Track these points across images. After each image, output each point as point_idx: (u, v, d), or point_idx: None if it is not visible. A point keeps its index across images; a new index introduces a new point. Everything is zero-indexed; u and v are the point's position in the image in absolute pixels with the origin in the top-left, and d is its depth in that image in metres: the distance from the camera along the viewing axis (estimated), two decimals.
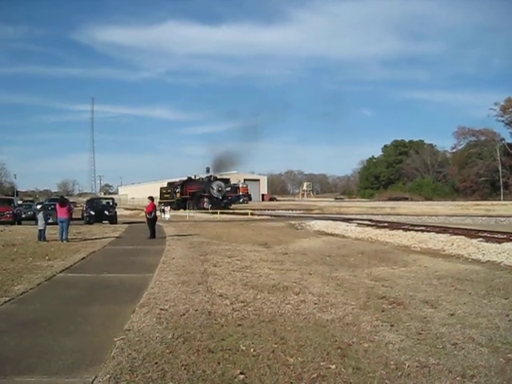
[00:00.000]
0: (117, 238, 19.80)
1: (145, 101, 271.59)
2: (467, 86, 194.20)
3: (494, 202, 64.25)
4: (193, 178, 66.55)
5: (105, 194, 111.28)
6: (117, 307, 7.42)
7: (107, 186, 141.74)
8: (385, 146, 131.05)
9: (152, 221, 20.15)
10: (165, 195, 69.46)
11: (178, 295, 8.26)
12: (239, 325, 6.58)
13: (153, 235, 19.49)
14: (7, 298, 7.77)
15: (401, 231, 21.94)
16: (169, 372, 4.64)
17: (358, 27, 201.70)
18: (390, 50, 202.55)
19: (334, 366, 5.03)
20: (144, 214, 21.04)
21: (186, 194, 62.67)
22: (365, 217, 38.22)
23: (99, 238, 18.95)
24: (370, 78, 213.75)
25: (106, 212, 32.28)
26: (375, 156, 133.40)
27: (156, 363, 4.85)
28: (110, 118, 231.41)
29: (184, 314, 6.96)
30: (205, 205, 57.39)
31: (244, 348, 5.50)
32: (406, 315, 7.41)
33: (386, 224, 26.81)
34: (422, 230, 21.33)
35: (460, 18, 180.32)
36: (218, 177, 66.29)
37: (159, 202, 69.85)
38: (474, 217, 38.14)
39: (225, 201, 60.41)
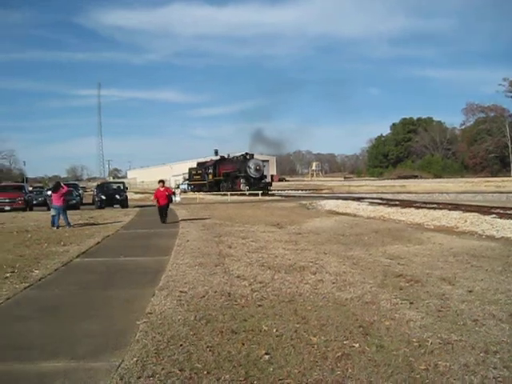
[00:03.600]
0: (129, 221, 19.85)
1: (151, 83, 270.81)
2: (476, 62, 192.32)
3: (505, 179, 63.92)
4: (226, 156, 61.04)
5: (114, 178, 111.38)
6: (136, 290, 7.44)
7: (116, 170, 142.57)
8: (393, 124, 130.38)
9: (168, 204, 19.38)
10: (195, 176, 64.72)
11: (196, 277, 8.28)
12: (259, 305, 6.60)
13: (165, 219, 18.88)
14: (26, 284, 7.81)
15: (413, 209, 21.87)
16: (194, 354, 4.66)
17: (364, 5, 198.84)
18: (397, 28, 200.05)
19: (357, 345, 5.04)
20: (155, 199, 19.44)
21: (220, 175, 57.00)
22: (375, 195, 38.18)
23: (112, 223, 19.00)
24: (378, 55, 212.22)
25: (117, 196, 32.34)
26: (384, 134, 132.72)
27: (181, 345, 4.87)
28: (117, 102, 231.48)
29: (204, 296, 6.97)
30: (241, 186, 51.59)
31: (266, 328, 5.51)
32: (425, 293, 7.40)
33: (397, 202, 26.77)
34: (435, 208, 21.27)
35: None
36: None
37: (188, 184, 67.49)
38: (484, 193, 37.99)
39: (263, 181, 53.52)
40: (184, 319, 5.77)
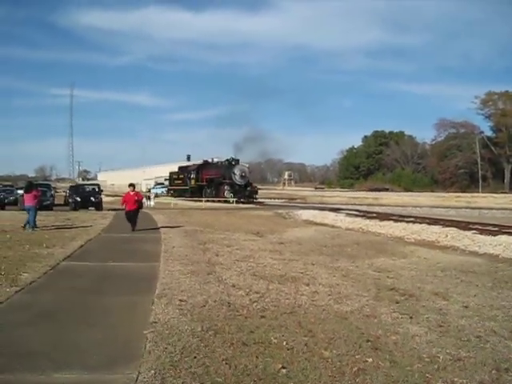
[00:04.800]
0: (108, 225, 19.53)
1: (125, 86, 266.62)
2: (449, 78, 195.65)
3: (474, 194, 65.46)
4: (210, 161, 58.38)
5: (83, 179, 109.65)
6: (133, 298, 7.27)
7: (85, 171, 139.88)
8: (365, 136, 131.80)
9: (138, 210, 17.91)
10: (175, 181, 62.11)
11: (191, 285, 8.15)
12: (262, 316, 6.51)
13: (135, 226, 17.32)
14: (18, 288, 7.52)
15: (391, 222, 22.12)
16: (211, 367, 4.53)
17: (342, 17, 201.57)
18: (373, 41, 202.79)
19: (370, 360, 5.00)
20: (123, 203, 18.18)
21: (203, 181, 54.09)
22: (350, 207, 38.42)
23: (90, 226, 18.62)
24: (353, 68, 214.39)
25: (92, 198, 31.86)
26: (355, 146, 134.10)
27: (195, 357, 4.74)
28: (90, 104, 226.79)
29: (204, 306, 6.85)
30: (225, 194, 48.69)
31: (276, 341, 5.43)
32: (422, 307, 7.44)
33: (374, 214, 27.05)
34: (413, 222, 21.55)
35: (445, 10, 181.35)
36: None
37: (169, 189, 65.15)
38: (456, 208, 38.76)
39: (249, 188, 50.68)
40: (191, 330, 5.64)
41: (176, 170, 65.83)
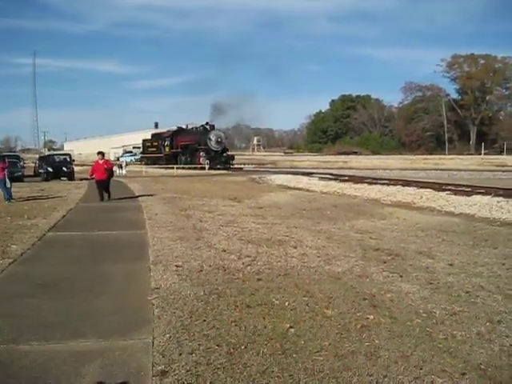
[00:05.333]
0: (84, 194, 19.23)
1: (91, 54, 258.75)
2: (415, 42, 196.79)
3: (442, 156, 66.76)
4: (184, 127, 56.41)
5: (49, 150, 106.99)
6: (129, 265, 7.28)
7: (51, 141, 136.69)
8: (332, 100, 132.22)
9: (109, 179, 17.31)
10: (149, 149, 60.64)
11: (183, 251, 8.20)
12: (259, 279, 6.64)
13: (108, 195, 17.00)
14: (10, 260, 7.43)
15: (366, 185, 22.47)
16: (222, 329, 4.64)
17: None
18: (339, 5, 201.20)
19: (371, 317, 5.19)
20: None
21: (178, 148, 52.81)
22: (321, 170, 38.79)
23: (66, 195, 18.36)
24: (319, 32, 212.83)
25: (64, 168, 31.22)
26: (323, 111, 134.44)
27: (204, 320, 4.84)
28: (54, 73, 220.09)
29: (201, 271, 6.93)
30: (201, 160, 47.30)
31: (277, 302, 5.57)
32: (409, 266, 7.67)
33: (347, 178, 27.38)
34: (387, 184, 21.94)
35: None
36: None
37: (142, 157, 63.64)
38: (425, 170, 39.53)
39: (225, 154, 49.42)
40: (194, 294, 5.72)
41: (148, 137, 64.65)
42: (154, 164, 53.57)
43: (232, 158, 50.36)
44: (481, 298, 6.02)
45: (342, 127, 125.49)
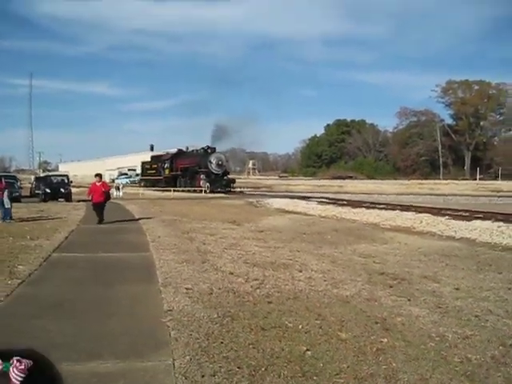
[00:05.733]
0: (84, 216, 19.20)
1: (85, 76, 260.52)
2: (410, 68, 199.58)
3: (437, 181, 67.19)
4: (184, 150, 56.10)
5: (43, 170, 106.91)
6: (138, 287, 7.28)
7: (45, 162, 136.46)
8: (327, 125, 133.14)
9: (105, 202, 16.96)
10: (148, 171, 60.04)
11: (191, 274, 8.21)
12: (269, 302, 6.66)
13: (102, 219, 16.43)
14: (19, 281, 7.40)
15: (364, 209, 22.55)
16: (240, 351, 4.65)
17: (301, 5, 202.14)
18: (333, 30, 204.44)
19: (385, 340, 5.21)
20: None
21: (177, 170, 52.01)
22: (316, 194, 38.87)
23: (66, 217, 18.36)
24: (313, 57, 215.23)
25: (62, 189, 31.31)
26: (317, 135, 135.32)
27: (222, 343, 4.85)
28: (49, 94, 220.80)
29: (211, 293, 6.94)
30: (201, 183, 46.23)
31: (291, 325, 5.58)
32: (416, 290, 7.70)
33: (345, 202, 27.47)
34: (385, 208, 22.04)
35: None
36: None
37: (141, 179, 63.22)
38: (422, 195, 39.77)
39: (226, 177, 48.48)
40: (208, 316, 5.73)
41: (144, 159, 64.75)
42: (153, 186, 52.83)
43: (233, 181, 49.63)
44: (490, 321, 6.06)
45: (336, 151, 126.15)
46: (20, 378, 0.92)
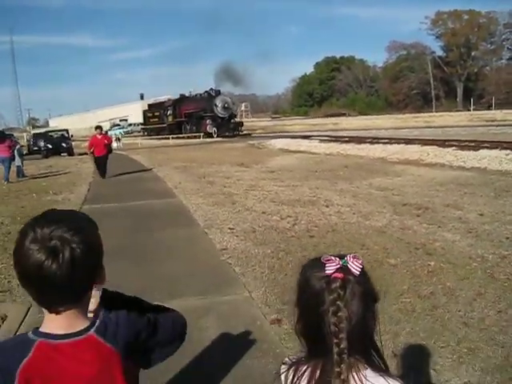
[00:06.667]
0: (95, 169, 19.29)
1: (66, 28, 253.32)
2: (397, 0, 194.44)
3: (431, 114, 66.99)
4: (187, 95, 52.40)
5: (33, 127, 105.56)
6: (184, 230, 7.56)
7: (33, 119, 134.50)
8: (317, 63, 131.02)
9: (107, 155, 16.23)
10: (151, 119, 57.41)
11: (227, 215, 8.52)
12: (311, 236, 7.01)
13: (105, 172, 15.94)
14: None
15: (368, 145, 22.76)
16: None
17: None
18: None
19: (433, 263, 5.58)
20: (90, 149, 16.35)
21: (181, 117, 49.44)
22: (315, 133, 38.78)
23: (77, 170, 18.53)
24: None
25: (63, 144, 31.27)
26: (307, 73, 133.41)
27: (286, 274, 5.18)
28: (30, 49, 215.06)
29: (255, 232, 7.27)
30: (208, 128, 43.91)
31: None
32: (443, 217, 8.05)
33: (347, 139, 27.53)
34: (389, 143, 22.19)
35: None
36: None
37: (142, 128, 61.85)
38: (419, 128, 39.85)
39: (233, 121, 46.30)
40: (263, 252, 6.07)
41: (138, 109, 64.32)
42: (158, 135, 50.77)
43: (241, 124, 47.76)
44: None
45: (327, 89, 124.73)
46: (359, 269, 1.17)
